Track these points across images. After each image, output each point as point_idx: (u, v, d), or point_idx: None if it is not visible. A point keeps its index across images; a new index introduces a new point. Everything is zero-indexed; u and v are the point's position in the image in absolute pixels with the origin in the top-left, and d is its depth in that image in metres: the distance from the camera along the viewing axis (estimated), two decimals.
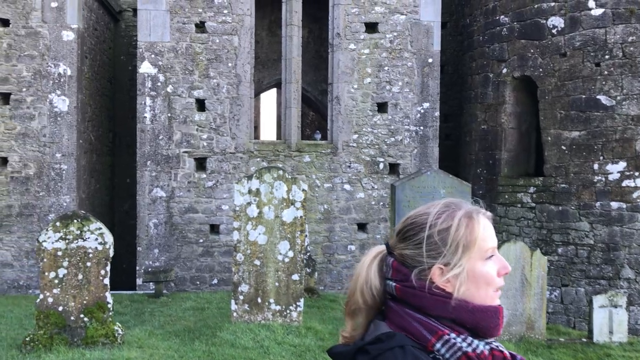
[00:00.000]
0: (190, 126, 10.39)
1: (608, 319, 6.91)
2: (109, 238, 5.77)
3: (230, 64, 10.50)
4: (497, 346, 1.25)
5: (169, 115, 10.33)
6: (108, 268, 5.77)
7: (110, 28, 12.91)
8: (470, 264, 1.25)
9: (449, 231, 1.26)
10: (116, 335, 5.68)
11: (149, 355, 5.34)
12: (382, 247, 1.39)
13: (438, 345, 1.20)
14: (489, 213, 1.33)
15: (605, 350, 6.58)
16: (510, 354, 1.28)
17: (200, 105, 10.47)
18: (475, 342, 1.22)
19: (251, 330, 6.14)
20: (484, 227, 1.28)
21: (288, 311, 6.54)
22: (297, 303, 6.57)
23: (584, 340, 7.02)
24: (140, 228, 10.32)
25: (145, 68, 10.29)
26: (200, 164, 10.52)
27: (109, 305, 5.71)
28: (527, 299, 6.74)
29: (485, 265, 1.26)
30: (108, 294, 5.73)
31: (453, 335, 1.21)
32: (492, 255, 1.28)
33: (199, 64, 10.41)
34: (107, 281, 5.74)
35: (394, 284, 1.30)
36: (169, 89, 10.33)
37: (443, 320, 1.23)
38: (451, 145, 13.15)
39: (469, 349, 1.19)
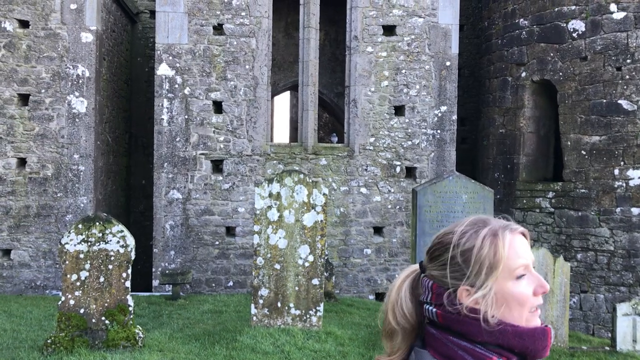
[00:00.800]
0: (207, 128, 10.39)
1: (632, 328, 6.81)
2: (131, 241, 5.76)
3: (247, 66, 10.49)
4: None
5: (186, 117, 10.33)
6: (129, 271, 5.76)
7: (128, 30, 12.95)
8: (498, 285, 1.20)
9: (472, 251, 1.22)
10: (137, 338, 5.66)
11: (170, 359, 5.32)
12: (416, 267, 1.35)
13: None
14: (521, 228, 1.28)
15: (629, 359, 6.49)
16: None
17: (218, 107, 10.47)
18: None
19: (271, 335, 6.11)
20: (512, 244, 1.22)
21: (308, 316, 6.50)
22: (317, 308, 6.54)
23: (607, 348, 6.93)
24: (156, 230, 10.33)
25: (162, 70, 10.30)
26: (217, 166, 10.51)
27: (130, 308, 5.70)
28: (550, 307, 6.65)
29: (517, 285, 1.20)
30: (129, 297, 5.72)
31: None
32: (524, 274, 1.22)
33: (217, 66, 10.41)
34: (128, 284, 5.73)
35: (434, 309, 1.25)
36: (186, 91, 10.34)
37: (489, 346, 1.19)
38: (467, 149, 13.07)
39: None
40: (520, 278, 1.22)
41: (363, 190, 10.95)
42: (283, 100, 23.26)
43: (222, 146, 10.41)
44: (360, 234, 10.97)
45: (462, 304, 1.22)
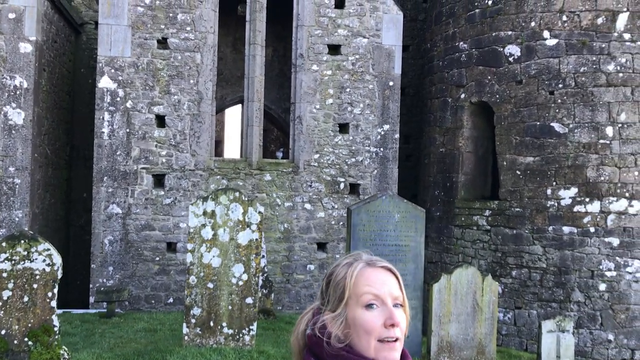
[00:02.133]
0: (149, 142, 10.28)
1: (556, 344, 7.06)
2: (58, 259, 5.64)
3: (192, 81, 10.45)
4: None
5: (128, 130, 10.20)
6: (56, 290, 5.64)
7: (71, 40, 12.73)
8: (350, 311, 1.28)
9: (332, 278, 1.32)
10: (62, 359, 5.53)
11: None
12: None
13: None
14: (385, 264, 1.36)
15: None
16: None
17: (160, 121, 10.38)
18: None
19: (202, 355, 6.06)
20: (362, 274, 1.31)
21: (241, 335, 6.49)
22: (251, 327, 6.53)
23: None
24: (94, 245, 10.13)
25: (104, 83, 10.17)
26: (159, 180, 10.40)
27: (55, 329, 5.57)
28: (478, 324, 6.84)
29: (365, 313, 1.28)
30: (55, 317, 5.59)
31: None
32: (375, 305, 1.29)
33: (160, 80, 10.34)
34: (54, 303, 5.60)
35: (309, 331, 1.33)
36: (129, 104, 10.22)
37: None
38: (412, 167, 13.33)
39: None
40: (370, 307, 1.29)
41: (307, 206, 11.03)
42: (236, 113, 23.20)
43: (164, 160, 10.31)
44: (303, 249, 11.02)
45: (316, 325, 1.30)
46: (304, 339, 1.38)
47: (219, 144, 15.97)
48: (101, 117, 10.17)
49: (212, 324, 6.42)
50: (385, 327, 1.29)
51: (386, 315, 1.30)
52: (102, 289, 8.82)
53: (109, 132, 10.16)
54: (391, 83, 11.15)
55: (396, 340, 1.31)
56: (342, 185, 11.11)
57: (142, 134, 10.25)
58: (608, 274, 9.43)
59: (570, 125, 9.69)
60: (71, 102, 12.81)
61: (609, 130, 9.56)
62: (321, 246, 11.07)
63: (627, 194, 9.50)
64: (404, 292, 1.38)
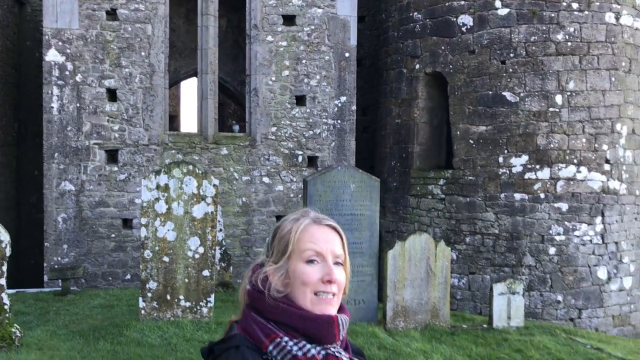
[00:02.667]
0: (101, 117, 10.05)
1: (507, 305, 7.32)
2: (5, 236, 5.51)
3: (143, 53, 10.21)
4: (334, 352, 1.30)
5: (78, 105, 9.94)
6: (4, 268, 5.52)
7: (15, 12, 12.23)
8: (291, 265, 1.32)
9: (278, 231, 1.35)
10: (14, 337, 5.45)
11: (49, 357, 5.17)
12: None
13: (270, 348, 1.26)
14: (332, 223, 1.39)
15: (503, 335, 6.97)
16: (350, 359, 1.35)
17: (112, 95, 10.14)
18: (308, 346, 1.28)
19: (159, 328, 6.06)
20: (307, 230, 1.34)
21: (198, 307, 6.50)
22: (208, 299, 6.54)
23: (485, 326, 7.41)
24: (47, 223, 9.91)
25: (51, 56, 9.84)
26: (112, 156, 10.20)
27: (6, 307, 5.46)
28: (432, 289, 7.02)
29: (305, 267, 1.32)
30: (4, 295, 5.48)
31: (286, 339, 1.27)
32: (316, 261, 1.33)
33: (110, 52, 10.06)
34: (3, 281, 5.48)
35: (248, 286, 1.36)
36: (78, 78, 9.93)
37: (280, 325, 1.29)
38: (369, 138, 13.40)
39: (299, 353, 1.26)
40: (310, 262, 1.32)
41: (265, 179, 11.01)
42: (192, 87, 22.80)
43: (117, 135, 10.10)
44: (262, 223, 11.03)
45: (258, 277, 1.32)
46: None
47: (174, 119, 15.70)
48: (49, 91, 9.86)
49: (168, 297, 6.40)
50: (323, 282, 1.33)
51: (325, 271, 1.33)
52: (56, 267, 8.66)
53: (58, 107, 9.87)
54: (347, 54, 11.13)
55: (333, 295, 1.34)
56: (300, 158, 11.12)
57: (93, 109, 10.00)
58: (557, 238, 9.77)
59: (521, 94, 9.90)
60: (17, 77, 12.37)
61: (558, 99, 9.80)
62: (280, 219, 11.08)
63: (575, 161, 9.81)
64: (347, 252, 1.41)
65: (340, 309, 1.38)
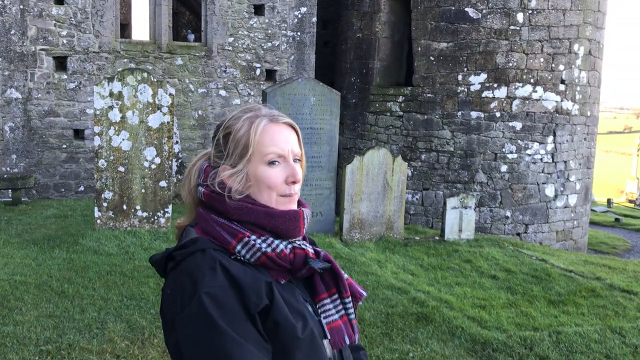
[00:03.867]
0: (47, 21, 9.46)
1: (459, 219, 7.57)
2: None
3: None
4: (299, 244, 1.30)
5: (22, 7, 9.30)
6: None
7: None
8: (251, 167, 1.28)
9: (231, 133, 1.29)
10: None
11: (3, 264, 5.10)
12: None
13: (239, 247, 1.24)
14: (287, 120, 1.35)
15: (454, 247, 7.25)
16: (314, 250, 1.35)
17: None
18: (276, 242, 1.26)
19: (116, 237, 6.04)
20: (267, 131, 1.29)
21: (156, 217, 6.47)
22: (166, 209, 6.52)
23: (437, 238, 7.68)
24: None
25: None
26: (61, 63, 9.71)
27: None
28: (388, 202, 7.17)
29: (268, 170, 1.28)
30: None
31: (254, 237, 1.25)
32: (277, 162, 1.30)
33: None
34: None
35: (202, 189, 1.31)
36: None
37: (245, 224, 1.27)
38: (329, 53, 13.15)
39: (269, 249, 1.24)
40: (272, 164, 1.28)
41: (222, 92, 10.76)
42: None
43: (65, 42, 9.58)
44: None
45: (215, 181, 1.28)
46: (196, 195, 1.35)
47: (125, 27, 14.93)
48: None
49: (125, 207, 6.34)
50: (287, 183, 1.30)
51: (288, 172, 1.30)
52: (5, 176, 8.40)
53: None
54: None
55: (294, 195, 1.33)
56: (258, 71, 10.86)
57: (39, 12, 9.39)
58: (510, 156, 10.03)
59: (484, 11, 9.80)
60: None
61: (520, 17, 9.76)
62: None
63: (532, 80, 9.92)
64: (302, 147, 1.37)
65: (300, 204, 1.37)
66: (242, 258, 1.24)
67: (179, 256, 1.22)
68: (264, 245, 1.24)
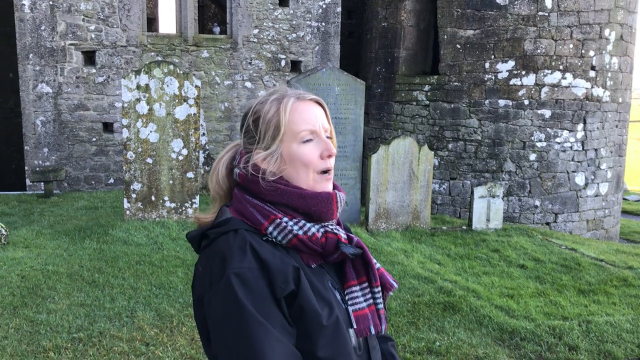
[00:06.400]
0: (76, 16, 9.61)
1: (486, 208, 7.49)
2: None
3: None
4: (332, 229, 1.30)
5: (51, 3, 9.47)
6: None
7: None
8: (284, 147, 1.28)
9: (260, 116, 1.29)
10: None
11: (36, 255, 5.23)
12: (240, 141, 1.40)
13: (270, 229, 1.24)
14: (314, 97, 1.34)
15: (481, 236, 7.18)
16: (347, 236, 1.34)
17: None
18: (308, 225, 1.26)
19: (145, 228, 6.13)
20: (296, 109, 1.29)
21: (183, 208, 6.55)
22: (193, 200, 6.59)
23: (464, 227, 7.61)
24: (26, 126, 9.72)
25: None
26: (89, 57, 9.87)
27: None
28: (414, 191, 7.12)
29: (302, 147, 1.28)
30: None
31: (285, 219, 1.25)
32: (310, 139, 1.30)
33: None
34: None
35: (238, 171, 1.32)
36: None
37: (278, 206, 1.27)
38: (354, 43, 13.10)
39: (300, 232, 1.24)
40: (306, 142, 1.29)
41: (248, 84, 10.81)
42: None
43: (93, 36, 9.73)
44: None
45: (249, 164, 1.29)
46: (229, 181, 1.36)
47: (152, 21, 15.08)
48: None
49: (153, 198, 6.43)
50: (322, 158, 1.30)
51: (322, 147, 1.30)
52: (37, 169, 8.59)
53: (30, 4, 9.40)
54: None
55: (330, 170, 1.33)
56: (283, 63, 10.88)
57: (67, 7, 9.54)
58: (539, 144, 9.86)
59: None
60: None
61: (548, 2, 9.56)
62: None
63: (561, 67, 9.73)
64: (331, 124, 1.37)
65: (335, 187, 1.37)
66: (273, 239, 1.24)
67: (213, 235, 1.24)
68: (295, 227, 1.25)
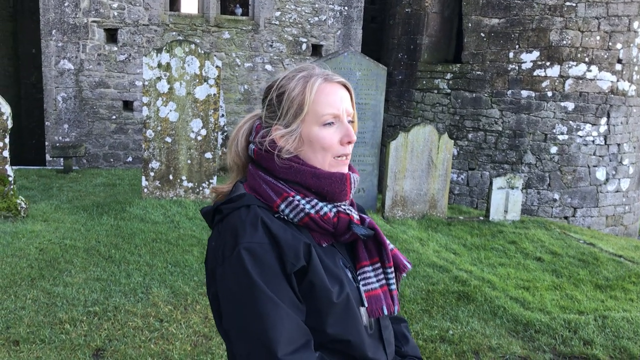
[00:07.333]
0: None
1: (505, 200, 7.41)
2: (6, 108, 5.45)
3: None
4: (345, 209, 1.28)
5: None
6: (7, 140, 5.51)
7: None
8: (305, 127, 1.26)
9: (285, 92, 1.27)
10: (19, 208, 5.54)
11: (54, 229, 5.28)
12: (259, 111, 1.38)
13: (282, 206, 1.23)
14: (341, 79, 1.32)
15: (499, 227, 7.12)
16: (360, 217, 1.32)
17: None
18: (320, 204, 1.25)
19: (162, 206, 6.16)
20: (322, 91, 1.26)
21: (201, 188, 6.57)
22: (211, 180, 6.60)
23: (481, 218, 7.55)
24: (47, 102, 9.80)
25: None
26: (111, 35, 9.89)
27: (10, 179, 5.51)
28: (432, 180, 7.07)
29: (323, 130, 1.26)
30: (8, 167, 5.51)
31: (298, 197, 1.24)
32: (332, 123, 1.27)
33: None
34: (6, 153, 5.49)
35: (253, 147, 1.31)
36: None
37: (291, 184, 1.26)
38: (377, 29, 12.98)
39: (312, 211, 1.23)
40: (328, 125, 1.27)
41: (268, 67, 10.77)
42: None
43: (116, 14, 9.74)
44: None
45: (264, 140, 1.27)
46: (246, 155, 1.35)
47: (174, 1, 15.08)
48: None
49: (171, 177, 6.46)
50: (342, 144, 1.28)
51: (343, 132, 1.28)
52: (57, 144, 8.67)
53: None
54: None
55: (348, 155, 1.31)
56: (304, 46, 10.82)
57: None
58: (560, 137, 9.73)
59: None
60: None
61: None
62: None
63: (586, 59, 9.55)
64: (355, 108, 1.35)
65: (350, 168, 1.35)
66: (285, 217, 1.23)
67: (226, 210, 1.24)
68: (307, 206, 1.23)
